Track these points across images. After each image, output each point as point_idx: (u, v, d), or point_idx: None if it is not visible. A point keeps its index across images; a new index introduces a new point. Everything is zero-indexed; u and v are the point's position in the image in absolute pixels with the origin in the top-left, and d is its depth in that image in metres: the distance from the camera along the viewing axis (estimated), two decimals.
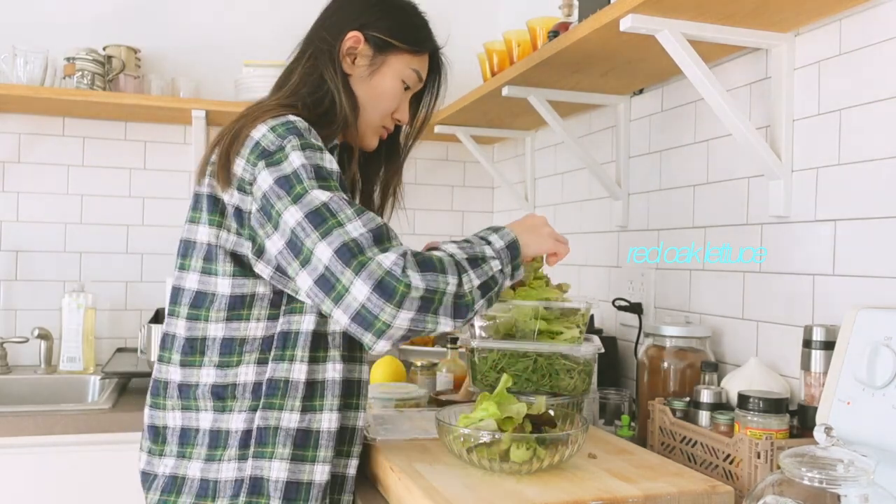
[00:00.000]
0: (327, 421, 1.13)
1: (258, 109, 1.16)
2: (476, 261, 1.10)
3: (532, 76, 1.74)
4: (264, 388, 1.11)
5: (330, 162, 1.10)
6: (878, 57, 1.21)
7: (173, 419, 1.16)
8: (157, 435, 1.17)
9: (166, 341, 1.18)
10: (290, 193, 1.05)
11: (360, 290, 1.00)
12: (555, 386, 1.37)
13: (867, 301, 1.21)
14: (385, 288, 1.00)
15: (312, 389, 1.13)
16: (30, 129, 2.39)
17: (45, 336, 2.27)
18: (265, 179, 1.07)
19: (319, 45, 1.24)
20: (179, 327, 1.15)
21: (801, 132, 1.36)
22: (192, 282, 1.15)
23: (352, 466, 1.18)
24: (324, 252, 1.02)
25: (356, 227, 1.03)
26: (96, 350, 2.33)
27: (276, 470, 1.10)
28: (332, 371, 1.14)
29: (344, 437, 1.17)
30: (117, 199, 2.47)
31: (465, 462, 1.12)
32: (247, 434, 1.11)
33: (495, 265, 1.12)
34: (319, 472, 1.12)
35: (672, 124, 1.74)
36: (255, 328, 1.13)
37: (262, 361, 1.13)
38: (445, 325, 1.06)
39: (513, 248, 1.16)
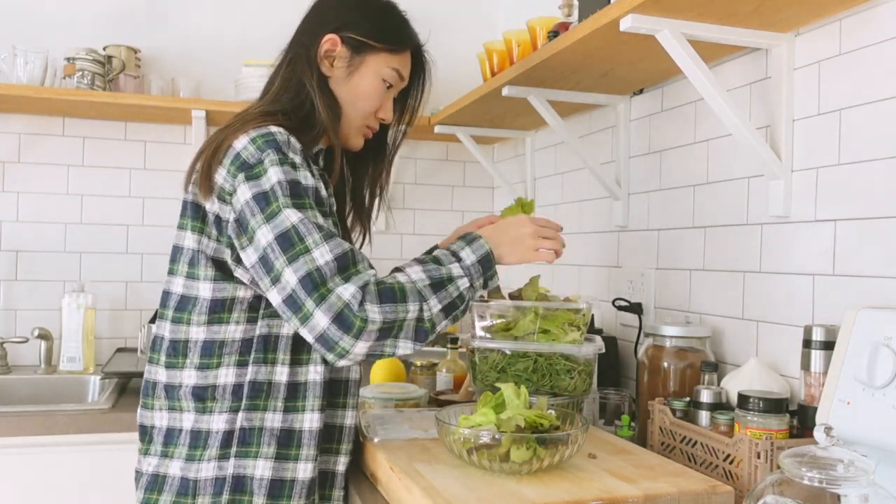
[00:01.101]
0: (309, 421, 1.16)
1: (241, 119, 1.19)
2: (440, 284, 1.13)
3: (532, 76, 1.74)
4: (246, 389, 1.15)
5: (306, 178, 1.13)
6: (878, 57, 1.21)
7: (160, 419, 1.19)
8: (144, 434, 1.21)
9: (155, 343, 1.21)
10: (265, 211, 1.09)
11: (321, 319, 1.05)
12: (555, 386, 1.37)
13: (867, 301, 1.21)
14: (343, 321, 1.04)
15: (295, 391, 1.16)
16: (30, 129, 2.39)
17: (45, 336, 2.27)
18: (244, 193, 1.11)
19: (298, 50, 1.28)
20: (166, 329, 1.19)
21: (801, 132, 1.36)
22: (177, 286, 1.19)
23: (341, 463, 1.23)
24: (290, 277, 1.06)
25: (322, 254, 1.06)
26: (96, 350, 2.33)
27: (261, 468, 1.14)
28: (314, 373, 1.17)
29: (332, 435, 1.22)
30: (117, 199, 2.46)
31: (466, 462, 1.12)
32: (228, 434, 1.14)
33: (462, 284, 1.15)
34: (303, 470, 1.16)
35: (672, 124, 1.74)
36: (234, 331, 1.17)
37: (241, 364, 1.16)
38: (405, 348, 1.10)
39: (485, 262, 1.18)
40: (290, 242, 1.07)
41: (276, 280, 1.07)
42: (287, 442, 1.15)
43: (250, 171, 1.11)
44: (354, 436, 1.26)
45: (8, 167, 2.37)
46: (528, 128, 2.43)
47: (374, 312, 1.05)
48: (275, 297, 1.08)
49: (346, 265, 1.07)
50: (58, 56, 2.27)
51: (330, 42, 1.26)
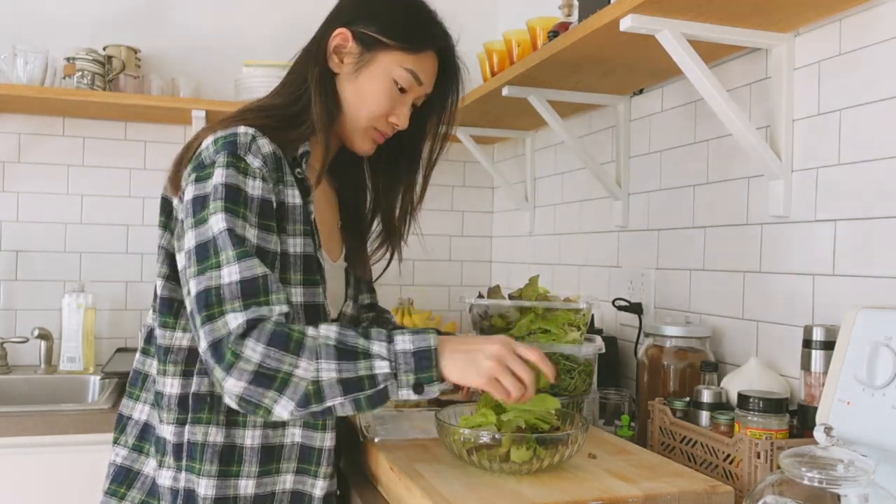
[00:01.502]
0: (251, 437, 1.11)
1: (222, 118, 1.16)
2: (349, 353, 0.99)
3: (532, 76, 1.74)
4: (191, 402, 1.11)
5: (253, 187, 1.06)
6: (878, 57, 1.21)
7: (139, 412, 1.18)
8: (118, 423, 1.20)
9: (148, 335, 1.21)
10: (196, 216, 1.04)
11: (202, 342, 0.99)
12: (555, 386, 1.37)
13: (867, 301, 1.21)
14: (217, 350, 0.97)
15: None
16: (30, 129, 2.39)
17: (45, 336, 2.27)
18: (188, 193, 1.07)
19: (310, 44, 1.22)
20: (149, 317, 1.20)
21: (801, 132, 1.36)
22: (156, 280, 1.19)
23: (318, 488, 1.14)
24: (193, 289, 1.01)
25: (230, 273, 0.99)
26: (96, 350, 2.32)
27: (204, 487, 1.09)
28: None
29: (310, 456, 1.14)
30: (117, 199, 2.47)
31: (466, 462, 1.12)
32: (178, 447, 1.11)
33: (380, 366, 0.99)
34: (244, 486, 1.10)
35: (672, 124, 1.74)
36: (180, 338, 1.13)
37: (186, 374, 1.12)
38: (284, 408, 0.98)
39: (421, 356, 1.00)
40: (205, 254, 1.01)
41: (187, 288, 1.03)
42: (229, 458, 1.10)
43: (202, 171, 1.07)
44: (335, 459, 1.18)
45: (8, 167, 2.37)
46: (528, 128, 2.43)
47: (253, 351, 0.96)
48: (188, 306, 1.03)
49: (253, 291, 0.99)
50: (58, 56, 2.27)
51: (341, 36, 1.18)
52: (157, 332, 1.14)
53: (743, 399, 1.21)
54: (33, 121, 2.39)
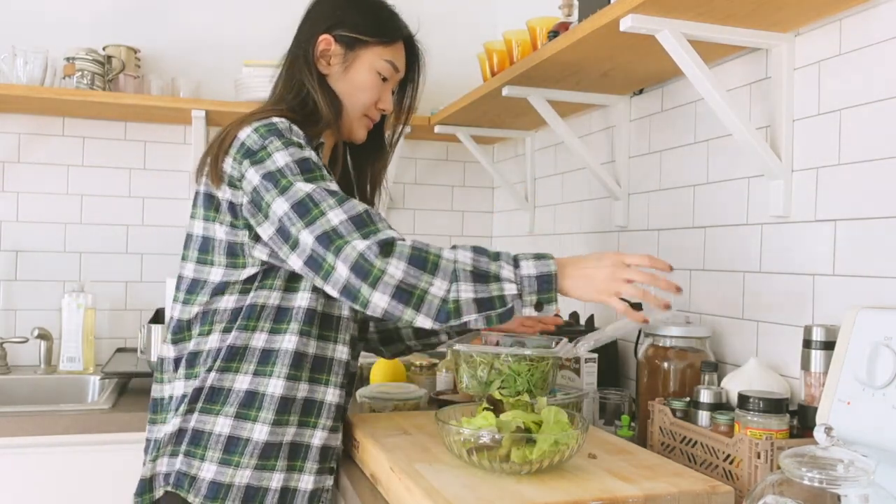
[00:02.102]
0: (273, 386, 1.21)
1: (247, 114, 1.27)
2: (483, 276, 1.11)
3: (532, 76, 1.74)
4: (224, 352, 1.22)
5: (311, 155, 1.19)
6: (878, 57, 1.21)
7: (158, 391, 1.29)
8: (151, 406, 1.30)
9: (168, 324, 1.30)
10: (277, 187, 1.15)
11: (342, 270, 1.09)
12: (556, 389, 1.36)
13: (867, 301, 1.21)
14: (360, 269, 1.08)
15: (267, 356, 1.22)
16: (30, 129, 2.39)
17: (45, 336, 2.27)
18: (252, 176, 1.17)
19: (296, 53, 1.35)
20: (176, 311, 1.27)
21: (801, 132, 1.36)
22: (189, 270, 1.26)
23: (316, 437, 1.25)
24: (307, 238, 1.11)
25: (337, 215, 1.11)
26: (96, 350, 2.33)
27: (220, 425, 1.20)
28: (288, 342, 1.22)
29: (311, 409, 1.25)
30: (117, 199, 2.46)
31: (466, 462, 1.12)
32: (198, 392, 1.21)
33: (508, 288, 1.11)
34: (259, 431, 1.20)
35: (672, 124, 1.74)
36: (227, 300, 1.24)
37: (227, 330, 1.23)
38: (424, 322, 1.10)
39: (543, 281, 1.12)
40: (305, 209, 1.12)
41: (294, 245, 1.13)
42: (249, 402, 1.20)
43: (254, 156, 1.17)
44: (336, 413, 1.28)
45: (8, 167, 2.37)
46: (528, 128, 2.43)
47: (394, 268, 1.07)
48: (296, 262, 1.13)
49: (363, 223, 1.11)
50: (58, 56, 2.27)
51: (324, 42, 1.32)
52: (206, 304, 1.23)
53: (743, 399, 1.21)
54: (33, 121, 2.39)
